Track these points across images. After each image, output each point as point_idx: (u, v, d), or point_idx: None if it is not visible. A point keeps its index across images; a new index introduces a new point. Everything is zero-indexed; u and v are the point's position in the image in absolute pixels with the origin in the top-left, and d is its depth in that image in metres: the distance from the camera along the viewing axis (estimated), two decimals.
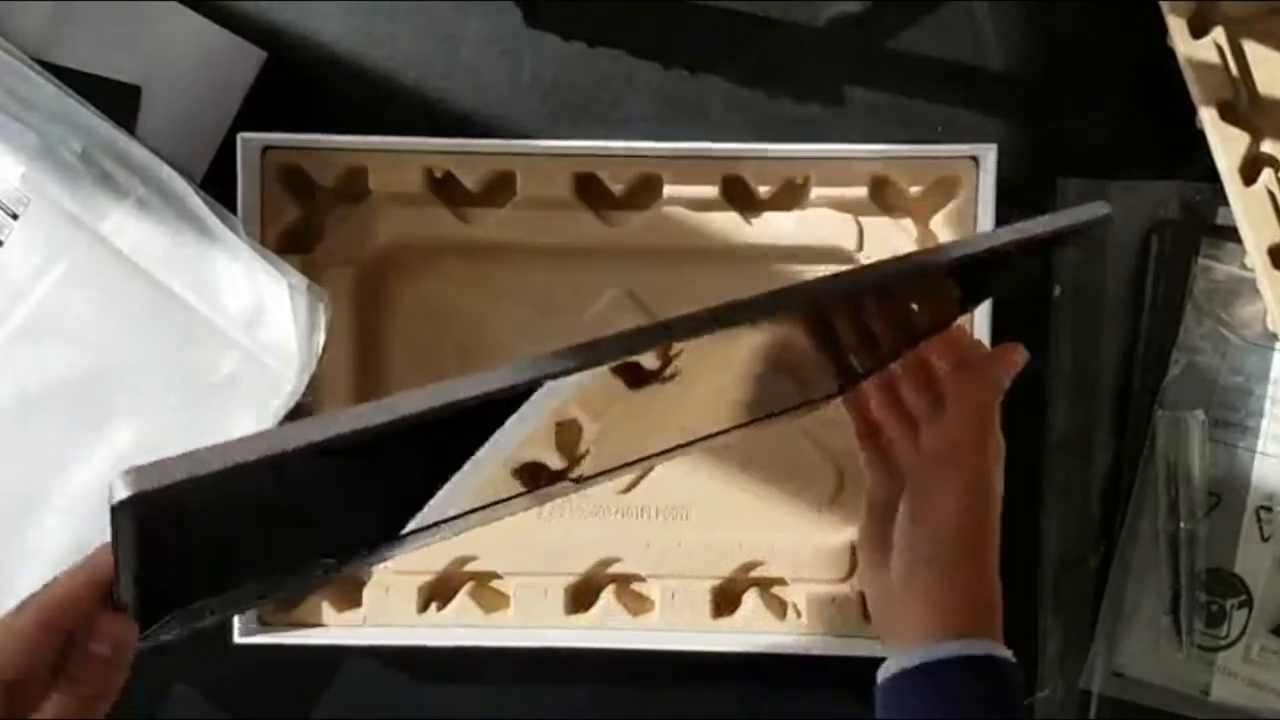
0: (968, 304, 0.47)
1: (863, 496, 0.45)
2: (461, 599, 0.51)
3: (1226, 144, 0.49)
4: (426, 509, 0.33)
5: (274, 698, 0.54)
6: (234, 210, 0.49)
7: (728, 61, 0.52)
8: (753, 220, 0.51)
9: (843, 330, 0.40)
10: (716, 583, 0.51)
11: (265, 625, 0.51)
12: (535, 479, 0.42)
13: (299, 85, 0.52)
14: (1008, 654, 0.39)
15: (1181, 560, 0.51)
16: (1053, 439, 0.52)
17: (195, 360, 0.49)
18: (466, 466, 0.32)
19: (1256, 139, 0.49)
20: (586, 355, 0.28)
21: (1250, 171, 0.49)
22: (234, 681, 0.54)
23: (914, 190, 0.50)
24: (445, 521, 0.36)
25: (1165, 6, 0.50)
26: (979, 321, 0.50)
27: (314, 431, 0.24)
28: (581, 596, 0.52)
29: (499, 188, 0.51)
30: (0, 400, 0.50)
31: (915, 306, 0.42)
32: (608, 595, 0.51)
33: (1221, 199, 0.50)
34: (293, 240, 0.51)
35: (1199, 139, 0.50)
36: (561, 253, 0.52)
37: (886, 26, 0.53)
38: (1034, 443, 0.52)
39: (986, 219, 0.49)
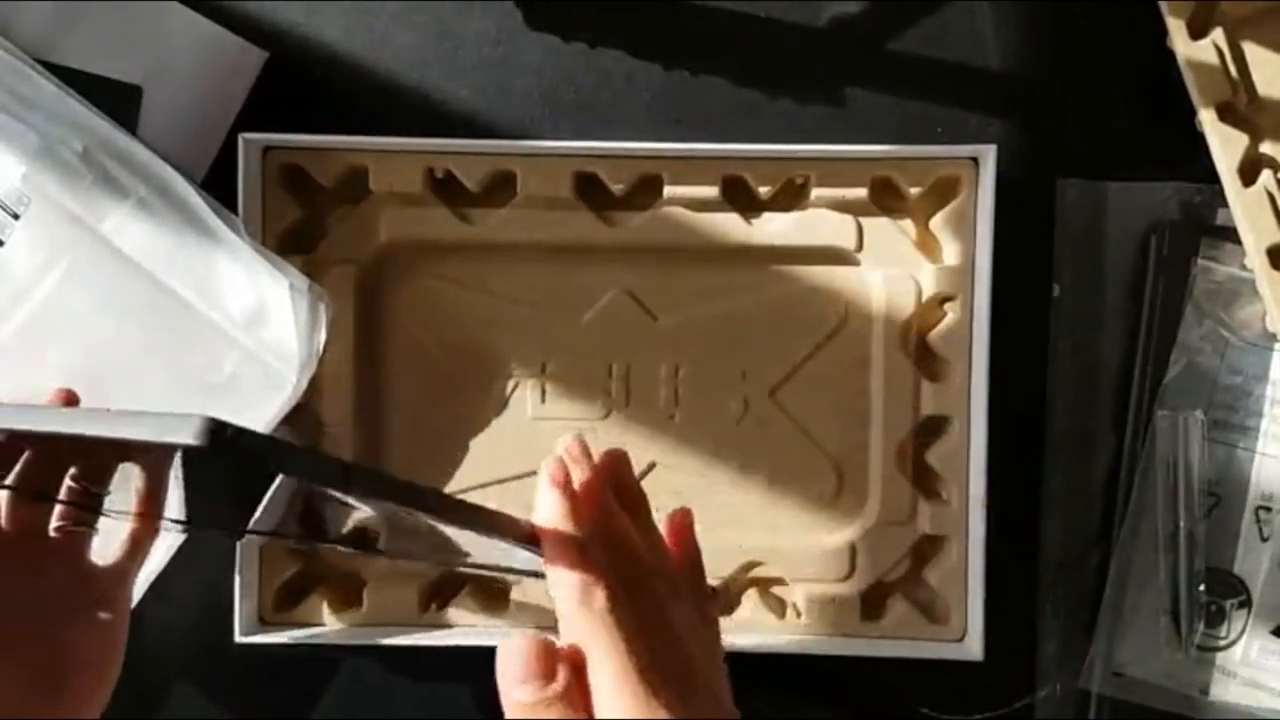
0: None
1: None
2: (462, 599, 0.52)
3: (1226, 145, 0.49)
4: None
5: (274, 697, 0.54)
6: (235, 210, 0.49)
7: (728, 61, 0.52)
8: (753, 220, 0.51)
9: None
10: (716, 583, 0.51)
11: (265, 624, 0.51)
12: None
13: (300, 85, 0.52)
14: None
15: (1181, 560, 0.51)
16: (1053, 439, 0.52)
17: (196, 360, 0.49)
18: None
19: (1256, 140, 0.49)
20: None
21: (1250, 172, 0.49)
22: (234, 681, 0.54)
23: (914, 191, 0.50)
24: None
25: (1164, 7, 0.50)
26: (978, 323, 0.50)
27: None
28: None
29: (499, 188, 0.51)
30: (2, 399, 0.50)
31: None
32: None
33: (1221, 200, 0.50)
34: (294, 240, 0.51)
35: (1198, 140, 0.50)
36: (561, 253, 0.52)
37: (886, 27, 0.53)
38: (1034, 443, 0.52)
39: (986, 220, 0.49)
